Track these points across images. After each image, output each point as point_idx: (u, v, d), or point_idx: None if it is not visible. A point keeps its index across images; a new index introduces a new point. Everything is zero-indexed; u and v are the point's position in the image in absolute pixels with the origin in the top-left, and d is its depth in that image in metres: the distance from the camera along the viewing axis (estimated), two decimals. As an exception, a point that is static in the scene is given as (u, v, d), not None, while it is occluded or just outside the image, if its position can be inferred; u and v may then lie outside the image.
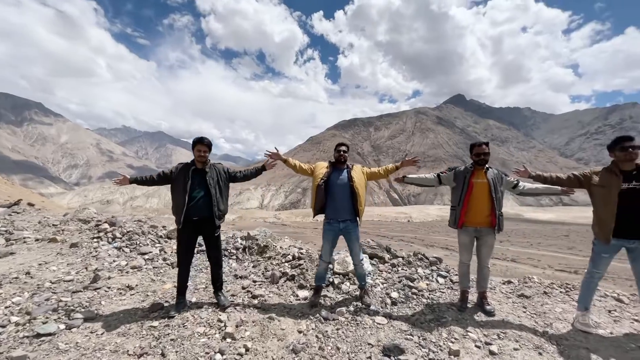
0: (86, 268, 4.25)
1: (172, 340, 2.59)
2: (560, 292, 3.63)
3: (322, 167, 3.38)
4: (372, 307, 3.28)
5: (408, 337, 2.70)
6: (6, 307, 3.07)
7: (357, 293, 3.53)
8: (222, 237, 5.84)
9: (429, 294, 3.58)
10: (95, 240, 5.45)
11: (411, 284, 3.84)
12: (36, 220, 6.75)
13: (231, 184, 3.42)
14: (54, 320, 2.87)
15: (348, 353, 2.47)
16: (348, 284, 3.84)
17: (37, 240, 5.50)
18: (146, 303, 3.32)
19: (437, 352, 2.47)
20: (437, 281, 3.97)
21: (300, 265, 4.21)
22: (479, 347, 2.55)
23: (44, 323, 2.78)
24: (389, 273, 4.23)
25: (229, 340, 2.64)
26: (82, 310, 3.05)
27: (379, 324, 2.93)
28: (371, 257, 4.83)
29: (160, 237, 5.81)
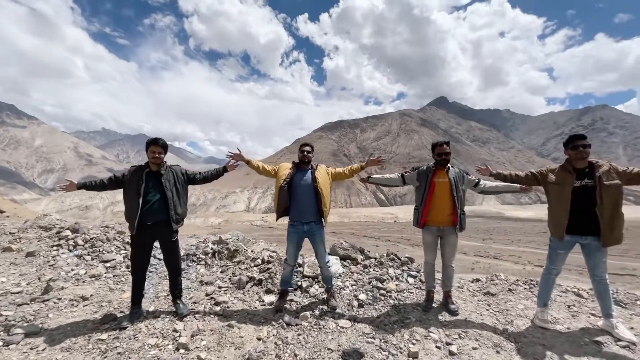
0: (39, 278, 3.98)
1: (119, 353, 2.43)
2: (524, 288, 3.68)
3: (285, 168, 3.30)
4: (338, 310, 3.21)
5: (370, 340, 2.64)
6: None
7: (325, 296, 3.46)
8: (193, 242, 5.66)
9: (397, 295, 3.55)
10: (55, 248, 5.14)
11: (380, 285, 3.80)
12: (-8, 229, 6.32)
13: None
14: (-10, 337, 2.64)
15: (305, 359, 2.38)
16: (317, 287, 3.76)
17: (-11, 249, 5.13)
18: (99, 314, 3.12)
19: (397, 355, 2.43)
20: (407, 281, 3.95)
21: (268, 269, 4.10)
22: (439, 347, 2.52)
23: (-24, 341, 2.55)
24: (360, 274, 4.18)
25: (182, 351, 2.50)
26: (25, 324, 2.83)
27: (343, 327, 2.86)
28: (344, 258, 4.78)
29: (127, 243, 5.55)
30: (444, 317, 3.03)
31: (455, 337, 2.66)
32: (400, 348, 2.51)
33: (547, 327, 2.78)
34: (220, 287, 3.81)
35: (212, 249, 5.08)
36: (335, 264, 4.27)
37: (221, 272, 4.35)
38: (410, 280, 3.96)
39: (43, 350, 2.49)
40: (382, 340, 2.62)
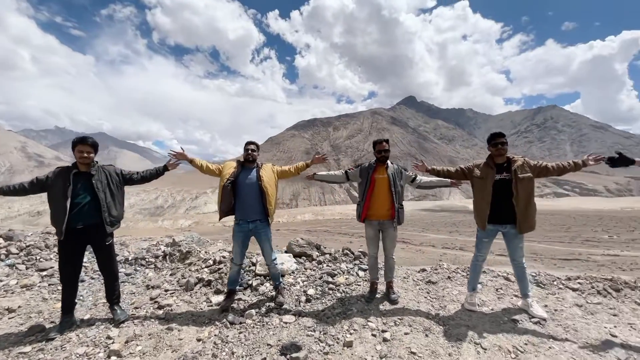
0: (-41, 293, 3.61)
1: (41, 366, 2.29)
2: (462, 276, 3.96)
3: (229, 167, 3.28)
4: (285, 306, 3.25)
5: (310, 333, 2.71)
6: None
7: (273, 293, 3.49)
8: (144, 245, 5.43)
9: (345, 288, 3.66)
10: (-18, 258, 4.68)
11: (331, 279, 3.90)
12: None
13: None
14: None
15: (243, 356, 2.40)
16: (268, 285, 3.77)
17: None
18: (26, 326, 2.91)
19: (333, 345, 2.52)
20: (357, 274, 4.09)
21: (219, 269, 4.04)
22: (374, 335, 2.65)
23: None
24: (314, 270, 4.26)
25: (114, 358, 2.41)
26: None
27: (286, 322, 2.91)
28: (300, 255, 4.84)
29: (70, 249, 5.19)
30: (385, 306, 3.18)
31: (391, 325, 2.81)
32: (338, 338, 2.61)
33: (474, 310, 3.03)
34: (166, 290, 3.70)
35: (163, 251, 4.91)
36: (288, 261, 4.32)
37: (170, 275, 4.22)
38: (361, 273, 4.10)
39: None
40: (322, 332, 2.71)
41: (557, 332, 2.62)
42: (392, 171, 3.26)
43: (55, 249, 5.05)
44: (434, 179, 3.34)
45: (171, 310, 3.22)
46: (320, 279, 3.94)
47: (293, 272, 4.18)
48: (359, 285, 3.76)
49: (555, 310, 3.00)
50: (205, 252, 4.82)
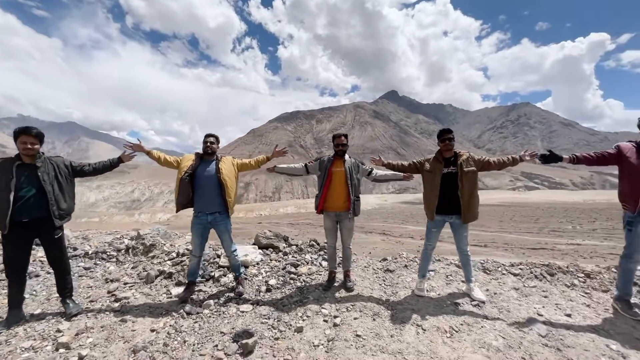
0: None
1: (-20, 361, 2.25)
2: (418, 264, 4.17)
3: (188, 160, 3.27)
4: (245, 296, 3.33)
5: (265, 320, 2.81)
6: None
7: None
8: (108, 239, 5.31)
9: (307, 278, 3.78)
10: None
11: (294, 269, 4.01)
12: None
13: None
14: None
15: (194, 344, 2.46)
16: (230, 276, 3.82)
17: None
18: (-31, 323, 2.81)
19: (285, 331, 2.63)
20: (320, 265, 4.22)
21: (182, 262, 4.05)
22: (326, 321, 2.79)
23: None
24: (278, 261, 4.35)
25: (62, 350, 2.40)
26: None
27: (243, 311, 2.99)
28: (266, 247, 4.91)
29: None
30: (341, 294, 3.33)
31: (344, 311, 2.96)
32: (290, 325, 2.72)
33: (422, 295, 3.23)
34: (126, 284, 3.67)
35: (126, 245, 4.82)
36: (252, 253, 4.38)
37: (132, 268, 4.18)
38: (324, 263, 4.23)
39: None
40: (276, 320, 2.81)
41: (492, 312, 2.86)
42: (349, 165, 3.37)
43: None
44: (389, 172, 3.49)
45: (128, 302, 3.21)
46: (283, 269, 4.04)
47: (258, 264, 4.26)
48: (320, 274, 3.89)
49: (495, 293, 3.26)
50: (171, 245, 4.79)
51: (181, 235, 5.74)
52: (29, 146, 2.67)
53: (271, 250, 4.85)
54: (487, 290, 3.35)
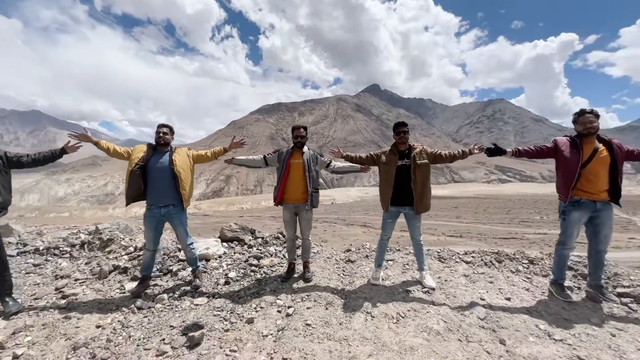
0: None
1: None
2: (379, 254, 4.29)
3: (139, 151, 3.15)
4: (202, 289, 3.29)
5: (217, 313, 2.80)
6: None
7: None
8: (63, 234, 5.07)
9: (267, 269, 3.79)
10: None
11: (256, 262, 4.01)
12: None
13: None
14: None
15: (139, 339, 2.41)
16: (189, 270, 3.76)
17: None
18: None
19: (236, 323, 2.63)
20: (284, 256, 4.24)
21: (139, 256, 3.94)
22: (279, 311, 2.81)
23: None
24: (242, 254, 4.33)
25: (-5, 350, 2.28)
26: None
27: (197, 305, 2.96)
28: (231, 240, 4.87)
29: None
30: (298, 284, 3.37)
31: (298, 301, 3.00)
32: (243, 316, 2.73)
33: (377, 284, 3.33)
34: (76, 280, 3.54)
35: (82, 240, 4.62)
36: (215, 246, 4.33)
37: (85, 264, 4.02)
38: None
39: None
40: (229, 312, 2.81)
41: (439, 298, 3.00)
42: (308, 157, 3.38)
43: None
44: (347, 164, 3.54)
45: (76, 299, 3.10)
46: (245, 262, 4.03)
47: (220, 257, 4.22)
48: (281, 266, 3.91)
49: (446, 280, 3.42)
50: (130, 239, 4.64)
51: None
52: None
53: (236, 243, 4.82)
54: (439, 277, 3.50)
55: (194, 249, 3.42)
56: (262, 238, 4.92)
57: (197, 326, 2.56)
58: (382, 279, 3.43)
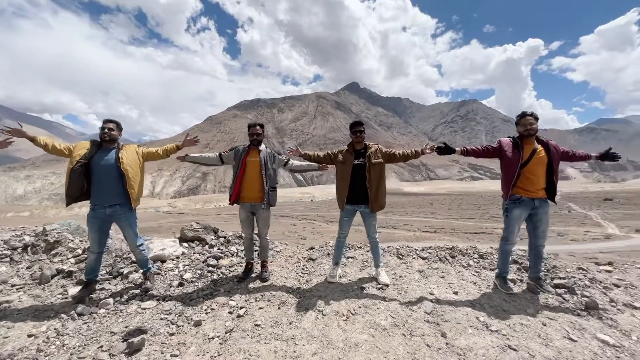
0: None
1: None
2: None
3: (81, 148, 2.96)
4: (153, 292, 3.17)
5: (165, 316, 2.70)
6: None
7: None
8: (6, 236, 4.69)
9: (226, 269, 3.72)
10: None
11: (215, 262, 3.92)
12: None
13: None
14: None
15: (74, 347, 2.28)
16: (141, 272, 3.61)
17: None
18: None
19: (183, 326, 2.55)
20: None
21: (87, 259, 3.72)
22: (231, 312, 2.76)
23: None
24: (202, 254, 4.21)
25: None
26: None
27: (144, 308, 2.85)
28: (192, 240, 4.73)
29: None
30: (255, 284, 3.33)
31: (252, 301, 2.96)
32: (191, 319, 2.65)
33: (333, 281, 3.36)
34: (13, 285, 3.29)
35: (25, 242, 4.30)
36: (171, 247, 4.19)
37: (27, 268, 3.74)
38: (249, 254, 4.19)
39: None
40: (178, 315, 2.72)
41: (391, 294, 3.08)
42: (265, 155, 3.34)
43: None
44: (304, 163, 3.53)
45: (9, 306, 2.88)
46: (204, 262, 3.93)
47: (177, 257, 4.08)
48: (241, 266, 3.84)
49: (400, 276, 3.51)
50: (80, 240, 4.38)
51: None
52: None
53: (197, 243, 4.69)
54: (395, 273, 3.59)
55: (144, 250, 3.27)
56: (225, 237, 4.82)
57: (139, 331, 2.46)
58: (340, 277, 3.47)
